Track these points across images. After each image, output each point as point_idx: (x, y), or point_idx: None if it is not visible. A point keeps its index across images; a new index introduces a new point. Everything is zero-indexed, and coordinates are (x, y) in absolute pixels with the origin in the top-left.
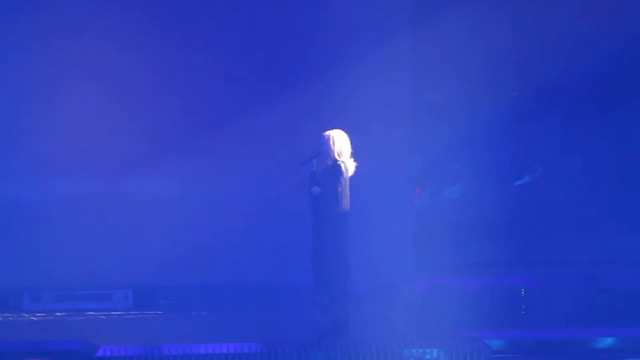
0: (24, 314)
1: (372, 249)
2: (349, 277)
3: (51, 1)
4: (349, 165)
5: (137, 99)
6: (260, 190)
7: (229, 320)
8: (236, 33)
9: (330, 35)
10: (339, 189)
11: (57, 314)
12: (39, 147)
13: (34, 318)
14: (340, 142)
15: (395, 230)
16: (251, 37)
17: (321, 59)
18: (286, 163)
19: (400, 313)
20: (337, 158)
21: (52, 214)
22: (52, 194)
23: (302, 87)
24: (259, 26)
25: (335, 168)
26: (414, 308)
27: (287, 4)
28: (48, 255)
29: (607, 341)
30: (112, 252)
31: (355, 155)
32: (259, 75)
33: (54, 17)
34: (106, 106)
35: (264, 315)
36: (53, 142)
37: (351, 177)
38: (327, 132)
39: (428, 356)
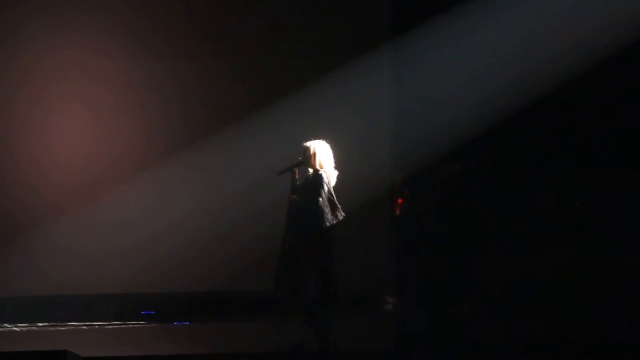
0: (5, 325)
1: (352, 259)
2: (335, 287)
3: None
4: (330, 175)
5: (124, 106)
6: (244, 200)
7: (210, 330)
8: (225, 40)
9: (313, 46)
10: (321, 199)
11: (39, 324)
12: (20, 156)
13: (17, 329)
14: (321, 152)
15: (375, 240)
16: (235, 46)
17: (304, 69)
18: (268, 174)
19: (381, 323)
20: (318, 168)
21: (35, 224)
22: (35, 203)
23: (285, 97)
24: (244, 34)
25: (316, 178)
26: (395, 318)
27: (270, 12)
28: (30, 266)
29: None
30: (94, 262)
31: (335, 165)
32: (238, 86)
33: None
34: (89, 113)
35: (248, 326)
36: (36, 151)
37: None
38: (308, 142)
39: None
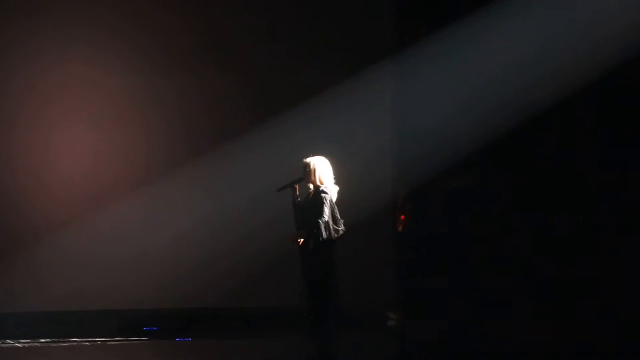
0: (8, 341)
1: (354, 275)
2: (336, 303)
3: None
4: (332, 191)
5: (126, 121)
6: (247, 215)
7: (213, 347)
8: (227, 54)
9: (316, 60)
10: (324, 216)
11: (41, 340)
12: (23, 171)
13: (19, 345)
14: (321, 168)
15: (378, 255)
16: (237, 60)
17: (306, 83)
18: (270, 188)
19: (385, 339)
20: (320, 185)
21: (37, 239)
22: (36, 218)
23: (287, 112)
24: (247, 48)
25: (319, 195)
26: (398, 334)
27: (272, 27)
28: (32, 282)
29: None
30: (97, 277)
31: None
32: (240, 100)
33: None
34: (92, 128)
35: (250, 341)
36: (38, 166)
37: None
38: (308, 159)
39: None
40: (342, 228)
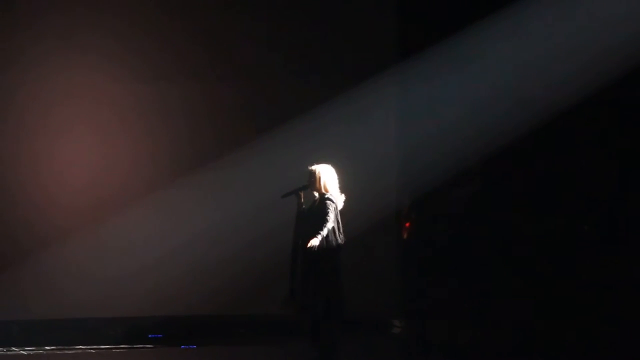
0: (12, 348)
1: (359, 282)
2: (342, 309)
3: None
4: (337, 199)
5: (131, 129)
6: (251, 222)
7: (217, 354)
8: (232, 62)
9: (320, 69)
10: (329, 223)
11: (46, 347)
12: (27, 179)
13: (24, 352)
14: (326, 175)
15: (382, 263)
16: (242, 68)
17: (311, 92)
18: (274, 196)
19: (389, 345)
20: (324, 192)
21: (42, 247)
22: (41, 226)
23: (291, 120)
24: (252, 57)
25: (323, 203)
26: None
27: (277, 36)
28: (37, 289)
29: None
30: (102, 284)
31: (342, 188)
32: (245, 108)
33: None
34: (97, 136)
35: (254, 348)
36: (43, 173)
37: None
38: (313, 166)
39: None
40: (341, 237)
